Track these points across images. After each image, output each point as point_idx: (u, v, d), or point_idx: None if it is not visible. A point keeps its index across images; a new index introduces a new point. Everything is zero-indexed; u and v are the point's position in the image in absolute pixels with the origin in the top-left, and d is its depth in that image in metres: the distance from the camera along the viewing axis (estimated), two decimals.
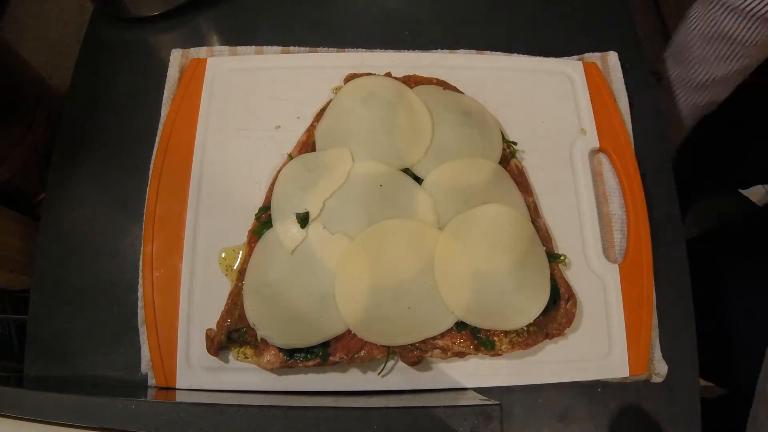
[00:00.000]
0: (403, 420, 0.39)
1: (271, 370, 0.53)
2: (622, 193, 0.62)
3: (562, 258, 0.58)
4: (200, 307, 0.56)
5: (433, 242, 0.54)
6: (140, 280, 0.57)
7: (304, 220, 0.54)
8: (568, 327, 0.55)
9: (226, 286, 0.56)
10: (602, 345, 0.57)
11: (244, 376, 0.54)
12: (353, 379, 0.54)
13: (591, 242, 0.60)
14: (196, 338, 0.55)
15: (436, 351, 0.53)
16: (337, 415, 0.39)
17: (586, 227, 0.61)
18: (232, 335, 0.53)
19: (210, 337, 0.53)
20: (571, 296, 0.55)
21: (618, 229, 0.62)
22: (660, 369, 0.57)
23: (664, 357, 0.58)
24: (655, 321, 0.58)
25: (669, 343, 0.59)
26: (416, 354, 0.52)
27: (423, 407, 0.39)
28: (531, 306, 0.53)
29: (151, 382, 0.54)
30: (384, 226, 0.54)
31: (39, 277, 0.59)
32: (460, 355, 0.54)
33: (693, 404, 0.57)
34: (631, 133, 0.65)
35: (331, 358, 0.52)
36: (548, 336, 0.54)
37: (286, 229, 0.54)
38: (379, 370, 0.54)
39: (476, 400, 0.48)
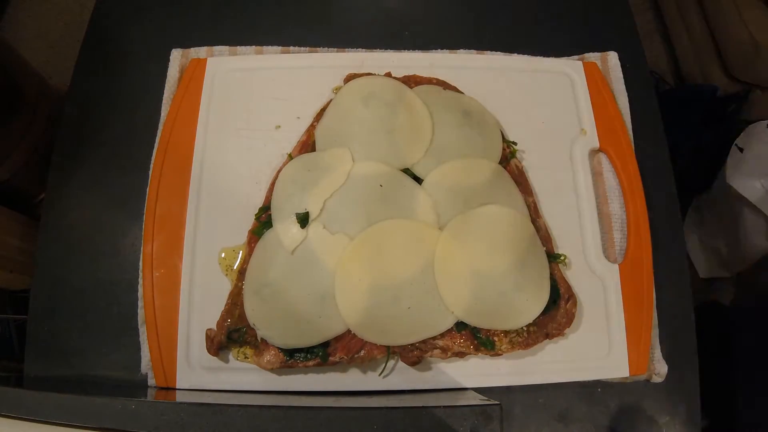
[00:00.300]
0: (403, 420, 0.39)
1: (271, 370, 0.53)
2: (622, 193, 0.62)
3: (562, 258, 0.58)
4: (200, 307, 0.56)
5: (433, 242, 0.54)
6: (140, 280, 0.57)
7: (304, 220, 0.54)
8: (568, 327, 0.55)
9: (226, 286, 0.56)
10: (602, 345, 0.57)
11: (244, 376, 0.54)
12: (353, 379, 0.54)
13: (591, 242, 0.60)
14: (196, 338, 0.55)
15: (436, 351, 0.53)
16: (337, 415, 0.39)
17: (586, 227, 0.61)
18: (232, 335, 0.53)
19: (210, 337, 0.53)
20: (571, 296, 0.55)
21: (618, 229, 0.62)
22: (660, 369, 0.57)
23: (664, 357, 0.58)
24: (655, 321, 0.58)
25: (669, 343, 0.59)
26: (416, 354, 0.52)
27: (423, 407, 0.39)
28: (531, 306, 0.53)
29: (151, 382, 0.54)
30: (384, 227, 0.54)
31: (39, 277, 0.59)
32: (460, 355, 0.54)
33: (693, 404, 0.57)
34: (631, 133, 0.65)
35: (331, 358, 0.52)
36: (548, 336, 0.54)
37: (286, 229, 0.54)
38: (379, 371, 0.54)
39: (476, 400, 0.48)
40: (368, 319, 0.52)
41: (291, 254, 0.53)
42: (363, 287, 0.52)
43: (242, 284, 0.54)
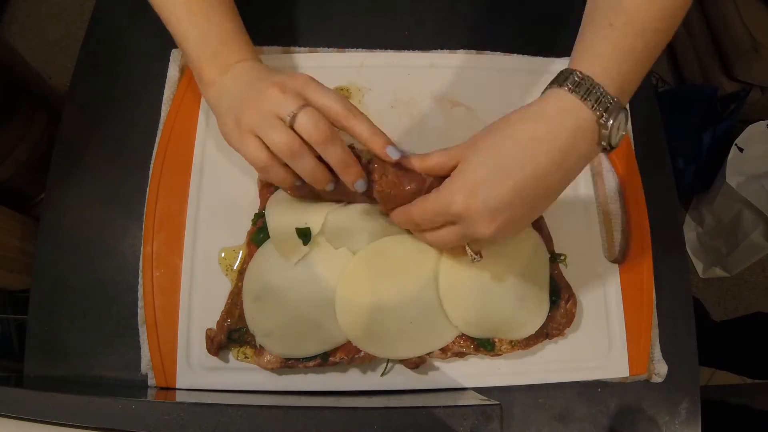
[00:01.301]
0: (403, 420, 0.39)
1: (272, 370, 0.53)
2: (622, 193, 0.62)
3: (562, 258, 0.58)
4: (200, 307, 0.56)
5: (435, 257, 0.53)
6: (140, 280, 0.57)
7: (306, 235, 0.53)
8: (568, 327, 0.55)
9: (226, 286, 0.56)
10: (602, 345, 0.57)
11: (244, 376, 0.54)
12: (353, 379, 0.54)
13: (591, 242, 0.60)
14: (196, 338, 0.55)
15: (437, 352, 0.53)
16: (337, 415, 0.39)
17: (586, 227, 0.61)
18: (232, 335, 0.53)
19: (210, 337, 0.53)
20: (571, 296, 0.55)
21: (618, 229, 0.62)
22: (660, 369, 0.57)
23: (664, 357, 0.58)
24: (655, 321, 0.58)
25: (669, 343, 0.59)
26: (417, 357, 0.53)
27: (423, 407, 0.39)
28: (533, 317, 0.53)
29: (151, 382, 0.54)
30: (385, 243, 0.53)
31: (39, 277, 0.59)
32: (460, 355, 0.54)
33: (693, 404, 0.57)
34: (631, 134, 0.65)
35: (331, 358, 0.52)
36: (548, 336, 0.54)
37: (287, 247, 0.53)
38: (380, 371, 0.54)
39: (476, 400, 0.48)
40: (370, 333, 0.52)
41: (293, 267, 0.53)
42: (364, 303, 0.52)
43: (242, 284, 0.54)
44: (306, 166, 0.45)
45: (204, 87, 0.51)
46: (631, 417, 0.57)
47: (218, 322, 0.53)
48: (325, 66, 0.65)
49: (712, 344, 1.19)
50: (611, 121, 0.38)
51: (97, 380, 0.56)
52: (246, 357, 0.54)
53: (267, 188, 0.57)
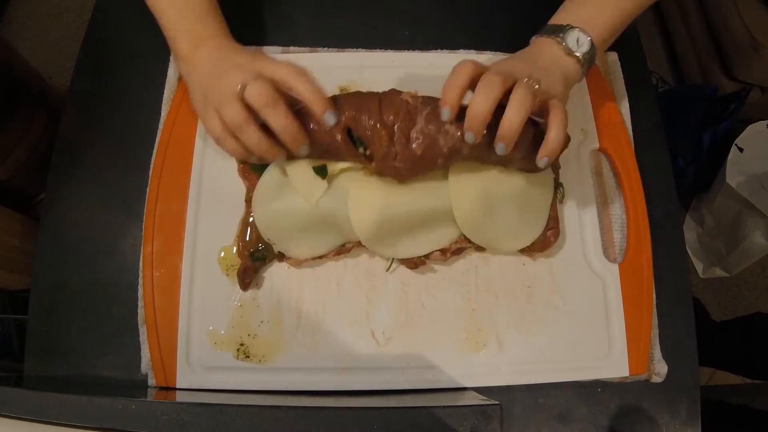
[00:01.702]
0: (403, 420, 0.39)
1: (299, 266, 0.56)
2: (622, 193, 0.62)
3: (561, 189, 0.59)
4: (200, 306, 0.56)
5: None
6: (140, 280, 0.57)
7: (323, 170, 0.53)
8: (540, 253, 0.57)
9: (226, 286, 0.56)
10: (602, 345, 0.57)
11: (244, 376, 0.54)
12: (353, 380, 0.54)
13: (591, 242, 0.60)
14: (196, 338, 0.55)
15: (436, 253, 0.55)
16: (337, 415, 0.39)
17: (586, 227, 0.61)
18: (255, 255, 0.55)
19: (239, 275, 0.55)
20: (555, 227, 0.57)
21: (618, 229, 0.62)
22: (660, 369, 0.57)
23: (664, 357, 0.58)
24: (655, 321, 0.58)
25: (669, 343, 0.59)
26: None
27: (423, 407, 0.39)
28: (526, 233, 0.56)
29: (151, 382, 0.54)
30: None
31: (38, 277, 0.59)
32: (458, 252, 0.56)
33: (693, 404, 0.57)
34: (631, 133, 0.65)
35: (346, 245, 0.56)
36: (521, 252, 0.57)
37: (304, 182, 0.54)
38: (386, 267, 0.57)
39: (476, 400, 0.48)
40: (378, 232, 0.53)
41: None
42: (375, 203, 0.53)
43: (252, 211, 0.56)
44: (251, 137, 0.48)
45: (178, 61, 0.55)
46: (631, 417, 0.57)
47: (238, 252, 0.56)
48: (325, 66, 0.65)
49: (712, 344, 1.19)
50: (568, 38, 0.52)
51: (97, 380, 0.56)
52: (246, 357, 0.54)
53: (246, 166, 0.59)
